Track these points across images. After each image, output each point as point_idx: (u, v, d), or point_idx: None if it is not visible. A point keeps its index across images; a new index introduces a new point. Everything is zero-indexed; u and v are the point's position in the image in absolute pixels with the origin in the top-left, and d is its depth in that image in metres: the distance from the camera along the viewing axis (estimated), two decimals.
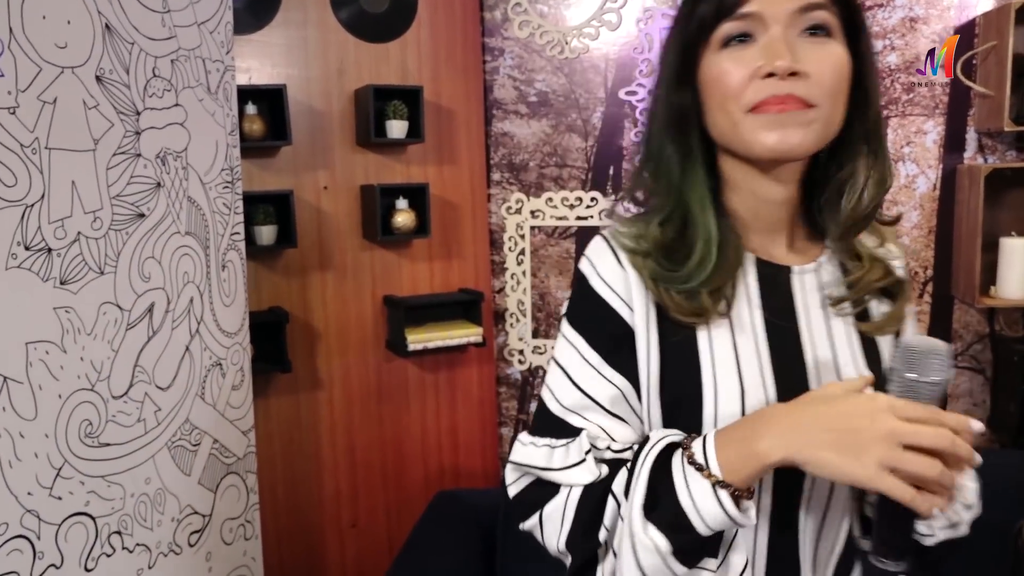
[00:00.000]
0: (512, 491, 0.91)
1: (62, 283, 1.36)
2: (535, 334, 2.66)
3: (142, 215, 1.55)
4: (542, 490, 0.86)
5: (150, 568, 1.59)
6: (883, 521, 0.73)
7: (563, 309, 0.93)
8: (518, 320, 2.66)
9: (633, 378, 0.86)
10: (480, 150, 2.58)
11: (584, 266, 0.91)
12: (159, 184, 1.59)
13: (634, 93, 2.48)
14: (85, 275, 1.40)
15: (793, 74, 0.75)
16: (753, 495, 0.74)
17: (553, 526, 0.85)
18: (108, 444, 1.47)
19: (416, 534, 2.07)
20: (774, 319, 0.84)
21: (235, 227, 1.87)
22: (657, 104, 0.86)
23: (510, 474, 0.91)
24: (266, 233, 2.19)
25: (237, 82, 2.02)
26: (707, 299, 0.82)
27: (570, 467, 0.83)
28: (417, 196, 2.38)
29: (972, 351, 2.35)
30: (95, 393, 1.43)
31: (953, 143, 2.29)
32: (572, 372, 0.87)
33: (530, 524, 0.90)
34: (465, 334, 2.46)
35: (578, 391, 0.86)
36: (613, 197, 2.54)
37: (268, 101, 2.20)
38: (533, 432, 0.90)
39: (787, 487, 0.84)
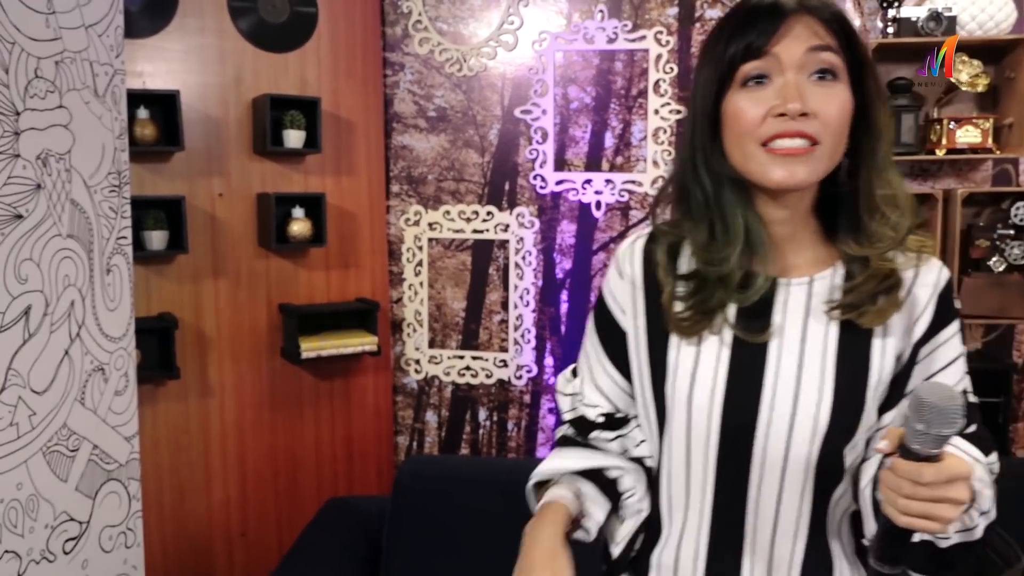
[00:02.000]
0: None
1: None
2: (431, 344, 2.71)
3: (20, 216, 1.53)
4: None
5: (21, 575, 1.56)
6: (881, 532, 0.79)
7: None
8: (415, 330, 2.71)
9: (626, 373, 1.03)
10: (379, 162, 2.63)
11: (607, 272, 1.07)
12: (39, 186, 1.58)
13: (529, 112, 2.57)
14: None
15: (803, 114, 0.85)
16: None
17: None
18: None
19: (302, 540, 2.08)
20: (744, 334, 0.93)
21: (122, 231, 1.86)
22: (694, 134, 0.94)
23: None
24: (156, 238, 2.18)
25: (129, 86, 2.00)
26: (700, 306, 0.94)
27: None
28: (313, 205, 2.40)
29: None
30: None
31: None
32: (585, 356, 1.08)
33: None
34: (360, 343, 2.48)
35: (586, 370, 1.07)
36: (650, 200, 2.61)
37: (162, 106, 2.19)
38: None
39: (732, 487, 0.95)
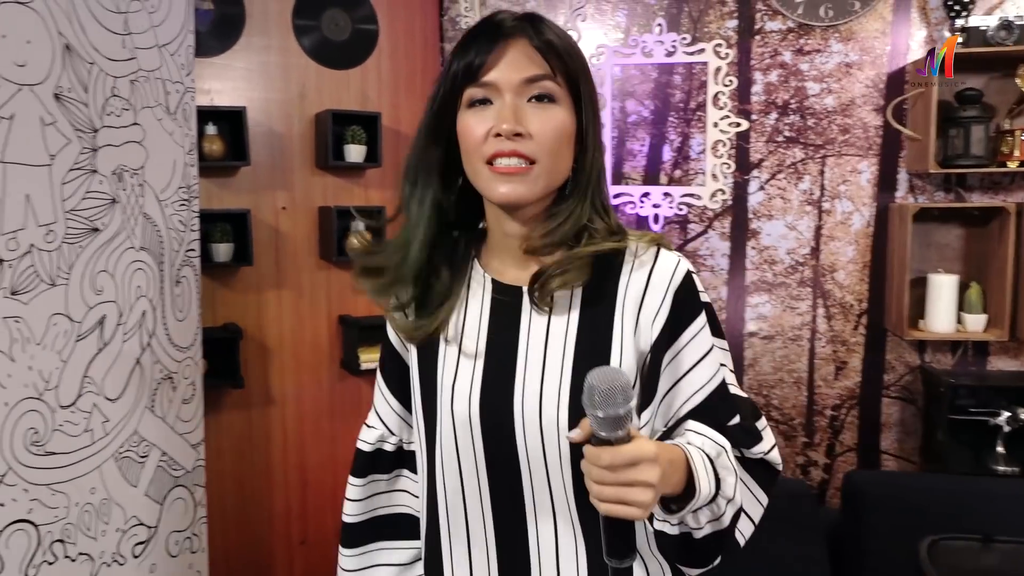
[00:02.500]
0: None
1: (13, 294, 1.40)
2: None
3: (96, 229, 1.59)
4: None
5: None
6: (602, 525, 0.81)
7: None
8: None
9: (406, 400, 1.08)
10: None
11: None
12: (114, 200, 1.64)
13: None
14: (36, 286, 1.44)
15: (518, 135, 0.89)
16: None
17: None
18: (54, 453, 1.50)
19: None
20: (495, 332, 0.97)
21: (191, 244, 1.92)
22: (412, 151, 1.01)
23: None
24: (223, 251, 2.24)
25: (198, 103, 2.07)
26: (418, 321, 0.99)
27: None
28: (374, 219, 2.43)
29: (904, 382, 2.46)
30: (42, 402, 1.46)
31: (886, 183, 2.41)
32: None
33: None
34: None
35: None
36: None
37: (229, 122, 2.25)
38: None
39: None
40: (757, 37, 2.44)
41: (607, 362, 0.92)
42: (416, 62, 2.56)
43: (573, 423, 0.90)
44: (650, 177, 2.56)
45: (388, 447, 1.11)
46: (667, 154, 2.54)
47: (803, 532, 1.94)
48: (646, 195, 2.56)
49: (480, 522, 0.98)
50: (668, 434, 0.95)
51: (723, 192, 2.50)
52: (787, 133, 2.45)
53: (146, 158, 1.74)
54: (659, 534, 0.92)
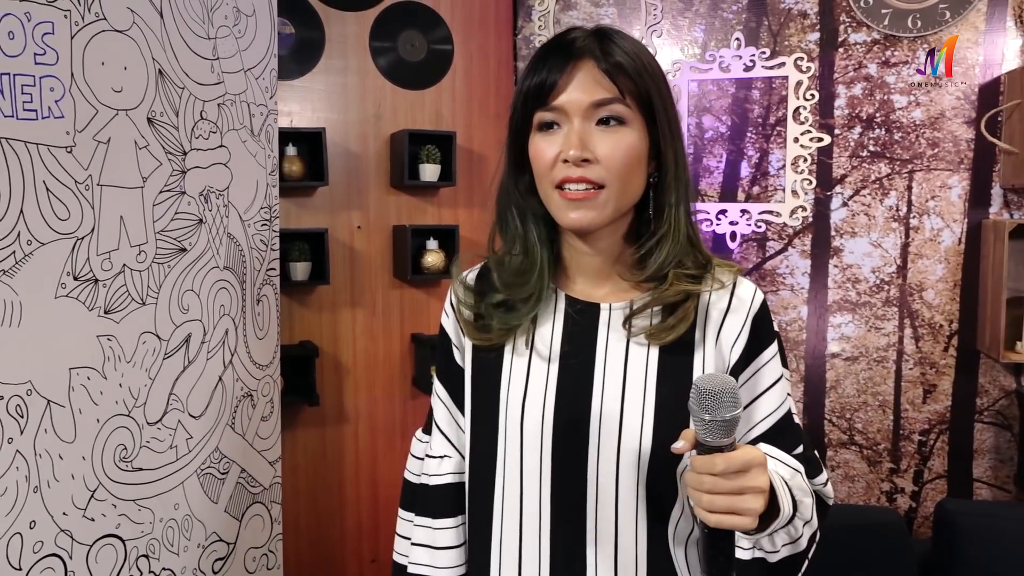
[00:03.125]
0: None
1: (106, 312, 1.43)
2: None
3: (184, 249, 1.62)
4: None
5: None
6: (704, 541, 0.81)
7: None
8: None
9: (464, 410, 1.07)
10: None
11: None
12: (201, 220, 1.67)
13: None
14: (128, 305, 1.47)
15: (585, 160, 0.89)
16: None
17: None
18: (141, 469, 1.52)
19: None
20: (571, 348, 0.97)
21: (271, 263, 1.95)
22: (503, 178, 1.02)
23: None
24: (300, 269, 2.27)
25: (279, 125, 2.11)
26: (505, 322, 0.99)
27: None
28: (447, 237, 2.44)
29: (999, 406, 2.34)
30: (131, 419, 1.49)
31: (978, 198, 2.31)
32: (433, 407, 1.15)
33: None
34: None
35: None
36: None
37: (308, 143, 2.29)
38: None
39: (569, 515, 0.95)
40: (840, 50, 2.37)
41: (689, 381, 0.91)
42: (490, 81, 2.57)
43: (656, 441, 0.90)
44: (727, 194, 2.50)
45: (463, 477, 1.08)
46: (745, 170, 2.48)
47: (894, 564, 1.86)
48: (723, 212, 2.50)
49: (535, 547, 0.96)
50: None
51: (804, 209, 2.43)
52: (872, 148, 2.37)
53: (231, 179, 1.77)
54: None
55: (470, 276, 1.08)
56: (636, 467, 0.91)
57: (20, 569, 1.31)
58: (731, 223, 2.50)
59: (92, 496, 1.42)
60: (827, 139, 2.40)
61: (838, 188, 2.41)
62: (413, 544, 1.09)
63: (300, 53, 2.32)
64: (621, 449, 0.91)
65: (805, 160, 2.42)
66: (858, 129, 2.38)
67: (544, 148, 0.92)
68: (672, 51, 2.51)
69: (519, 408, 0.96)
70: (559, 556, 0.95)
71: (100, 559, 1.44)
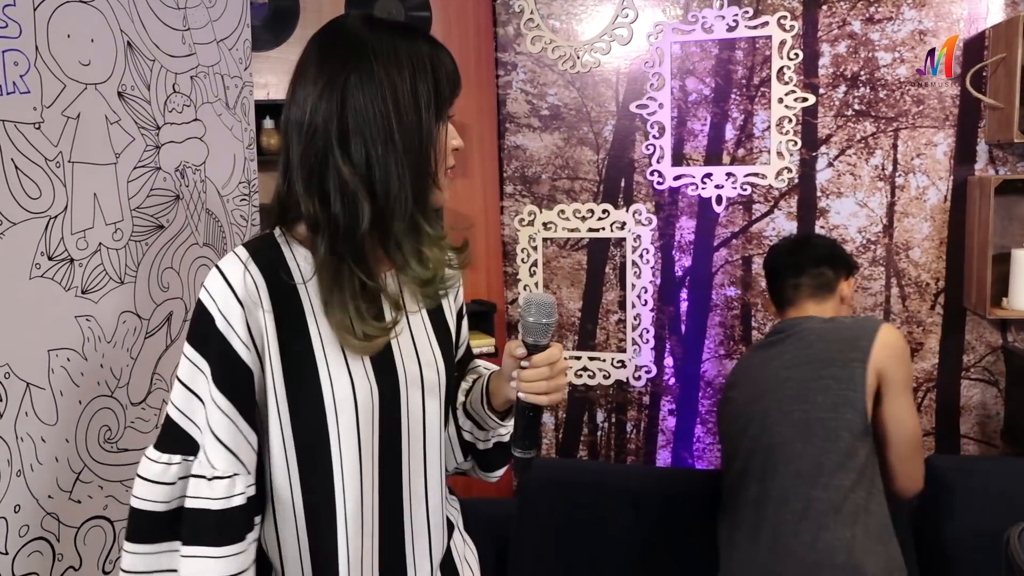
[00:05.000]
0: None
1: (83, 292, 1.40)
2: None
3: (161, 227, 1.59)
4: None
5: None
6: (523, 423, 1.01)
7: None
8: None
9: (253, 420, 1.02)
10: (493, 163, 2.62)
11: None
12: (178, 196, 1.64)
13: (645, 106, 2.51)
14: (106, 285, 1.44)
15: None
16: None
17: None
18: (126, 449, 1.51)
19: None
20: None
21: (252, 238, 1.92)
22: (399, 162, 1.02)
23: None
24: None
25: (255, 97, 2.07)
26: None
27: None
28: None
29: (985, 363, 2.35)
30: (114, 399, 1.47)
31: (964, 155, 2.30)
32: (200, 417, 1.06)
33: None
34: (477, 345, 2.48)
35: None
36: (625, 209, 2.57)
37: None
38: None
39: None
40: (824, 7, 2.34)
41: (448, 335, 1.11)
42: (470, 48, 2.52)
43: (448, 387, 1.09)
44: (712, 157, 2.48)
45: (247, 497, 0.95)
46: (729, 133, 2.46)
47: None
48: (708, 176, 2.48)
49: (372, 510, 1.00)
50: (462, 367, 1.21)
51: (789, 170, 2.42)
52: (857, 106, 2.35)
53: (207, 154, 1.73)
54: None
55: (251, 264, 1.03)
56: (439, 400, 1.06)
57: (7, 553, 1.30)
58: (716, 187, 2.48)
59: (77, 478, 1.40)
60: (812, 99, 2.38)
61: (823, 148, 2.39)
62: None
63: (274, 23, 2.27)
64: (425, 388, 1.03)
65: (790, 121, 2.40)
66: (843, 88, 2.36)
67: (451, 136, 1.03)
68: (654, 12, 2.47)
69: (350, 387, 0.97)
70: (387, 520, 1.03)
71: (88, 541, 1.42)
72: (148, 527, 0.95)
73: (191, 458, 0.95)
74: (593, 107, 2.55)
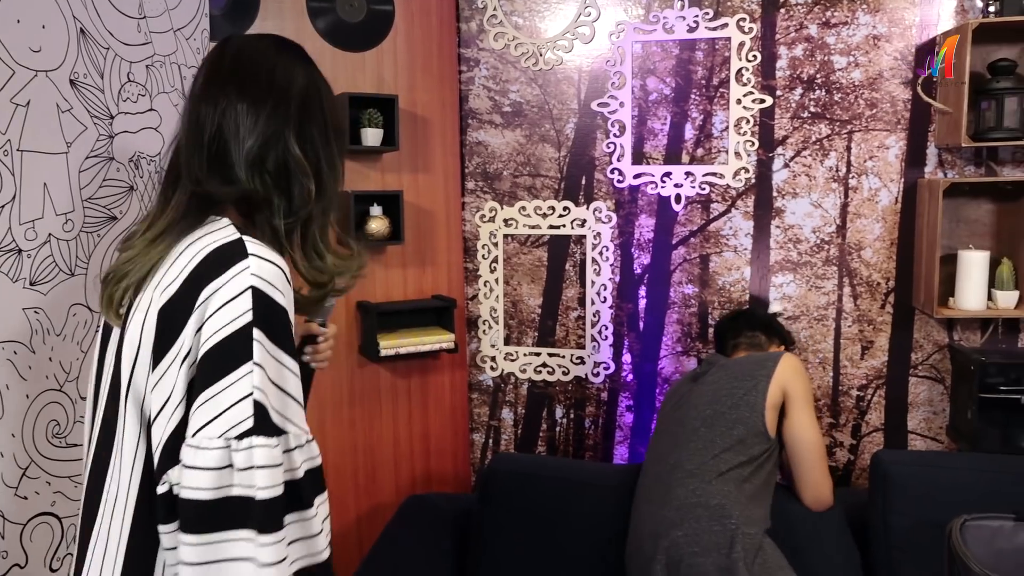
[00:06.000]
0: None
1: (32, 284, 1.37)
2: (507, 341, 2.69)
3: (114, 218, 1.56)
4: None
5: None
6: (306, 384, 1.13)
7: None
8: (491, 327, 2.69)
9: None
10: (455, 159, 2.62)
11: None
12: (132, 187, 1.61)
13: (606, 104, 2.52)
14: (55, 276, 1.42)
15: None
16: None
17: None
18: (76, 444, 1.48)
19: (384, 537, 2.09)
20: None
21: None
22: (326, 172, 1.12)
23: None
24: None
25: None
26: None
27: None
28: (391, 203, 2.41)
29: (932, 360, 2.41)
30: (63, 394, 1.45)
31: (914, 158, 2.36)
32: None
33: None
34: (437, 340, 2.48)
35: None
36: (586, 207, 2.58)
37: None
38: None
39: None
40: (782, 10, 2.38)
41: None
42: (432, 43, 2.52)
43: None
44: (671, 156, 2.51)
45: None
46: (689, 132, 2.49)
47: (825, 513, 1.92)
48: (667, 175, 2.51)
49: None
50: None
51: (746, 170, 2.45)
52: (813, 109, 2.40)
53: (163, 145, 1.71)
54: None
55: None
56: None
57: None
58: (676, 185, 2.51)
59: (24, 474, 1.38)
60: (769, 100, 2.42)
61: (780, 149, 2.43)
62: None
63: (233, 13, 2.24)
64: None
65: (748, 122, 2.44)
66: (799, 90, 2.40)
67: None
68: (616, 12, 2.49)
69: None
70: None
71: (35, 538, 1.40)
72: (280, 510, 0.91)
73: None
74: (555, 104, 2.57)
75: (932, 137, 2.34)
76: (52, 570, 1.44)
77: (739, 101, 2.43)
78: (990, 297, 2.26)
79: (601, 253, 2.58)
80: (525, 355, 2.69)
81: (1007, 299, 2.24)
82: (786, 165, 2.43)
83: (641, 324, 2.59)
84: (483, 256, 2.67)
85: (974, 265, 2.23)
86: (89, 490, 1.01)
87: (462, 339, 2.67)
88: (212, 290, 0.92)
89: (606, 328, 2.61)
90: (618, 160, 2.54)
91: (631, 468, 2.15)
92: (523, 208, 2.62)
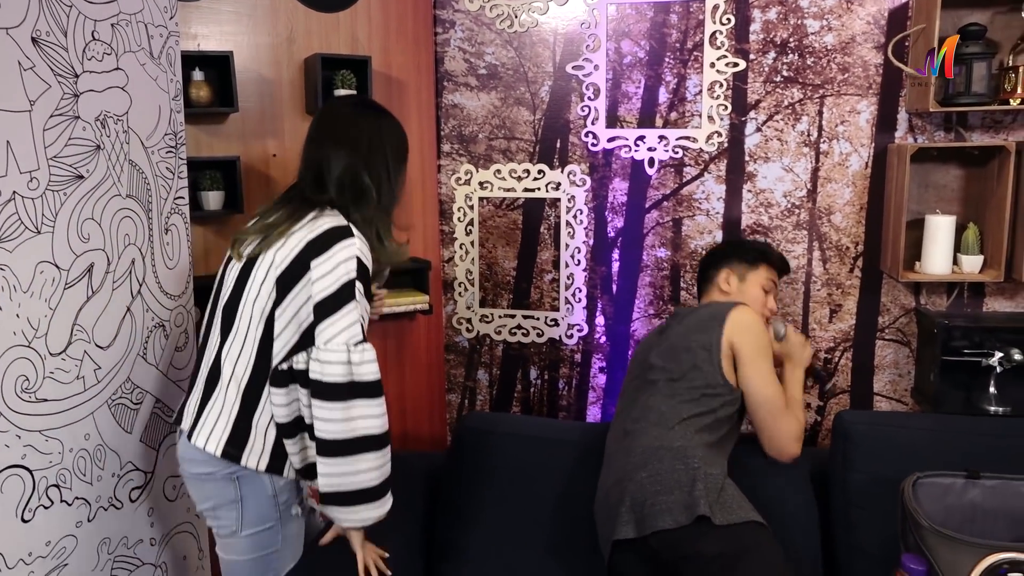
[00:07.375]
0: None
1: None
2: (483, 303, 2.72)
3: (81, 176, 1.57)
4: None
5: (90, 521, 1.63)
6: None
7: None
8: (466, 289, 2.72)
9: None
10: (430, 121, 2.62)
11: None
12: (99, 147, 1.62)
13: (581, 67, 2.53)
14: (21, 234, 1.43)
15: None
16: None
17: None
18: (46, 400, 1.51)
19: None
20: None
21: (179, 191, 1.90)
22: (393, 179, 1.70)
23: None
24: (213, 199, 2.22)
25: (184, 48, 2.03)
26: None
27: None
28: None
29: (898, 324, 2.46)
30: (32, 350, 1.47)
31: (885, 123, 2.38)
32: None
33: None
34: (413, 301, 2.51)
35: None
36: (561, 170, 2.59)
37: (216, 68, 2.22)
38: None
39: None
40: None
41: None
42: (407, 4, 2.51)
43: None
44: (645, 120, 2.52)
45: None
46: (663, 96, 2.50)
47: (788, 470, 1.97)
48: (641, 138, 2.53)
49: None
50: None
51: (719, 134, 2.47)
52: (785, 73, 2.41)
53: (130, 104, 1.71)
54: None
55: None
56: None
57: None
58: (649, 149, 2.52)
59: None
60: (742, 64, 2.42)
61: (752, 113, 2.45)
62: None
63: None
64: None
65: (721, 85, 2.45)
66: (772, 54, 2.41)
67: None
68: None
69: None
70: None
71: (5, 489, 1.43)
72: (380, 387, 1.54)
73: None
74: (530, 67, 2.57)
75: (903, 102, 2.35)
76: (24, 520, 1.47)
77: (713, 65, 2.44)
78: (955, 261, 2.30)
79: (575, 216, 2.60)
80: (500, 317, 2.72)
81: (972, 263, 2.28)
82: (758, 129, 2.45)
83: (614, 287, 2.62)
84: (459, 219, 2.69)
85: (940, 230, 2.27)
86: (211, 363, 1.60)
87: (437, 301, 2.70)
88: (331, 254, 1.50)
89: (580, 291, 2.64)
90: (592, 123, 2.55)
91: (601, 427, 2.19)
92: (498, 171, 2.63)
